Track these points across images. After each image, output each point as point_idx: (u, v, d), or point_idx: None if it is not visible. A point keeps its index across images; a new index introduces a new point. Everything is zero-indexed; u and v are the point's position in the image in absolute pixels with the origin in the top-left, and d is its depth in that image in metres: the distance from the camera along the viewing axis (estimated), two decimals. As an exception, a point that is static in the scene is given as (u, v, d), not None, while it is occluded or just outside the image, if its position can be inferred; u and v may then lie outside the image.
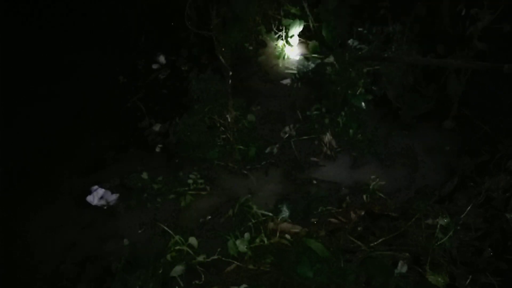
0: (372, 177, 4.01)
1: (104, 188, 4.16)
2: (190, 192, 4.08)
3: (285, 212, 3.73)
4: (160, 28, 6.15)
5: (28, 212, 4.07)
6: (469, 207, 3.50)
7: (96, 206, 4.05)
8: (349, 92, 4.61)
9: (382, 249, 3.30)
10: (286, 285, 3.17)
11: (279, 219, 3.63)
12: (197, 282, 3.24)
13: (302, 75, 5.40)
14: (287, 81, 5.56)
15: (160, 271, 3.24)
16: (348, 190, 4.04)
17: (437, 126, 4.66)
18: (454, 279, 3.10)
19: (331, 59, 4.90)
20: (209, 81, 4.60)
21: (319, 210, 3.73)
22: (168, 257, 3.32)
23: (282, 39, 5.84)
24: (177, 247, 3.39)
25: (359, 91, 4.67)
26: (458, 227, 3.38)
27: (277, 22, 5.89)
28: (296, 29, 5.61)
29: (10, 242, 3.81)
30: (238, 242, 3.39)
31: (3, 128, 4.76)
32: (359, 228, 3.54)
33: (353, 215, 3.61)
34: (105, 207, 4.07)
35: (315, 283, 3.11)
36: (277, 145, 4.52)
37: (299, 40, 5.86)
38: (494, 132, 4.28)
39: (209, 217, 3.88)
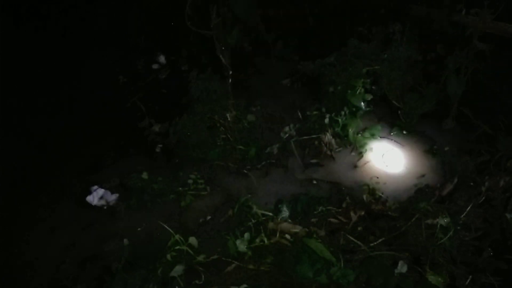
0: (372, 177, 4.00)
1: (104, 188, 4.15)
2: (190, 192, 4.08)
3: (285, 212, 3.73)
4: (160, 28, 6.15)
5: (28, 212, 4.07)
6: (469, 207, 3.50)
7: (96, 206, 4.05)
8: (349, 92, 4.61)
9: (382, 249, 3.30)
10: (286, 285, 3.17)
11: (279, 219, 3.63)
12: (197, 282, 3.24)
13: (302, 75, 5.40)
14: (287, 81, 5.56)
15: (160, 271, 3.24)
16: (348, 190, 4.04)
17: (437, 126, 4.66)
18: (454, 279, 3.11)
19: (331, 59, 4.90)
20: (209, 81, 4.60)
21: (319, 210, 3.73)
22: (168, 257, 3.32)
23: (282, 39, 5.85)
24: (177, 247, 3.39)
25: (359, 91, 4.67)
26: (458, 227, 3.38)
27: (277, 22, 5.90)
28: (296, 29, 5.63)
29: (11, 242, 3.81)
30: (238, 242, 3.39)
31: (4, 128, 4.76)
32: (359, 228, 3.54)
33: (353, 215, 3.61)
34: (105, 207, 4.07)
35: (315, 283, 3.11)
36: (277, 145, 4.52)
37: (299, 39, 5.88)
38: (494, 132, 4.29)
39: (209, 217, 3.88)
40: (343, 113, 4.65)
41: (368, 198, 3.82)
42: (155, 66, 6.04)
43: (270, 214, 3.68)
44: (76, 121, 5.11)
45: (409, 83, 4.70)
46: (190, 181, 4.14)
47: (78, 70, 5.68)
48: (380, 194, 3.86)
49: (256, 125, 4.75)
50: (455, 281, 3.10)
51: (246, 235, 3.45)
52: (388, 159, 4.36)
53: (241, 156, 4.43)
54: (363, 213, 3.63)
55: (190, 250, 3.37)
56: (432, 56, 4.87)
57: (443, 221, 3.35)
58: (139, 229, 3.83)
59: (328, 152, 4.44)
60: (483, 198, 3.59)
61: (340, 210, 3.74)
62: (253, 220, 3.59)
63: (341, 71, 4.74)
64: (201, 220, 3.86)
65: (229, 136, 4.49)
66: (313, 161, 4.42)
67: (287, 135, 4.65)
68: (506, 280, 3.08)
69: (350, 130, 4.57)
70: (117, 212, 4.02)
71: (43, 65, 5.54)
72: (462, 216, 3.46)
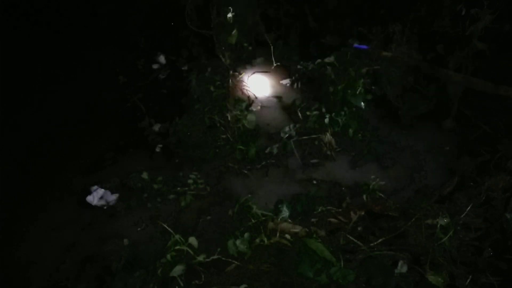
0: (372, 177, 4.00)
1: (104, 188, 4.16)
2: (190, 192, 4.08)
3: (285, 212, 3.73)
4: (160, 28, 6.15)
5: (29, 212, 4.07)
6: (469, 207, 3.49)
7: (96, 206, 4.05)
8: (349, 92, 4.61)
9: (382, 249, 3.30)
10: (286, 285, 3.17)
11: (279, 219, 3.63)
12: (197, 282, 3.24)
13: (302, 75, 5.40)
14: (287, 81, 5.56)
15: (160, 271, 3.24)
16: (348, 190, 4.04)
17: (437, 126, 4.66)
18: (454, 279, 3.10)
19: (331, 59, 4.90)
20: (209, 81, 4.60)
21: (319, 210, 3.72)
22: (168, 257, 3.32)
23: (282, 39, 5.84)
24: (177, 247, 3.38)
25: (359, 91, 4.67)
26: (458, 227, 3.38)
27: (277, 22, 5.90)
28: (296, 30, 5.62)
29: (11, 242, 3.81)
30: (238, 242, 3.39)
31: (4, 128, 4.76)
32: (359, 228, 3.54)
33: (353, 215, 3.61)
34: (105, 207, 4.07)
35: (315, 283, 3.11)
36: (277, 145, 4.52)
37: (299, 40, 5.87)
38: (494, 132, 4.28)
39: (209, 217, 3.88)
40: (343, 113, 4.65)
41: (368, 198, 3.82)
42: (155, 66, 6.04)
43: (270, 214, 3.67)
44: (76, 121, 5.11)
45: (409, 83, 4.70)
46: (190, 181, 4.14)
47: (78, 70, 5.69)
48: (380, 194, 3.86)
49: (256, 125, 4.74)
50: (455, 281, 3.09)
51: (246, 235, 3.44)
52: (387, 159, 4.36)
53: (241, 156, 4.42)
54: (363, 213, 3.63)
55: (190, 250, 3.37)
56: (432, 56, 4.86)
57: (443, 221, 3.35)
58: (139, 229, 3.83)
59: (328, 152, 4.44)
60: (483, 198, 3.59)
61: (340, 210, 3.73)
62: (253, 220, 3.58)
63: (341, 71, 4.74)
64: (201, 220, 3.86)
65: (229, 136, 4.48)
66: (313, 161, 4.41)
67: (287, 135, 4.65)
68: (506, 280, 3.08)
69: (350, 130, 4.57)
70: (117, 212, 4.02)
71: (43, 65, 5.54)
72: (462, 216, 3.45)
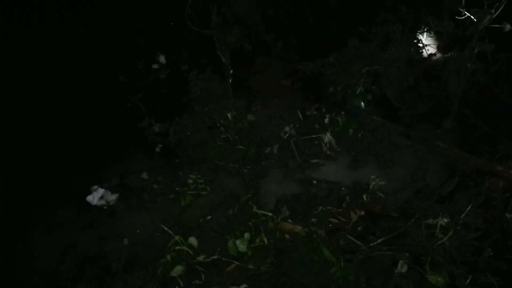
0: (372, 177, 4.00)
1: (104, 188, 4.16)
2: (190, 192, 4.08)
3: (285, 212, 3.73)
4: (160, 28, 6.15)
5: (29, 212, 4.07)
6: (469, 207, 3.49)
7: (96, 206, 4.05)
8: (349, 92, 4.61)
9: (382, 249, 3.30)
10: (286, 285, 3.17)
11: (279, 219, 3.63)
12: (197, 282, 3.24)
13: (302, 75, 5.40)
14: (287, 81, 5.56)
15: (160, 271, 3.24)
16: (348, 190, 4.04)
17: (437, 126, 4.66)
18: (454, 279, 3.10)
19: (331, 59, 4.90)
20: (209, 81, 4.60)
21: (319, 210, 3.72)
22: (168, 257, 3.32)
23: (282, 39, 5.84)
24: (177, 247, 3.38)
25: (359, 91, 4.66)
26: (458, 227, 3.38)
27: (277, 22, 5.90)
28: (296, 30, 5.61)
29: (11, 242, 3.81)
30: (238, 242, 3.39)
31: (4, 129, 4.76)
32: (359, 228, 3.54)
33: (353, 215, 3.61)
34: (105, 207, 4.07)
35: (315, 283, 3.11)
36: (277, 145, 4.52)
37: (299, 40, 5.87)
38: (494, 132, 4.28)
39: (209, 217, 3.88)
40: (343, 113, 4.64)
41: (368, 198, 3.82)
42: (155, 66, 6.04)
43: (270, 214, 3.68)
44: (76, 121, 5.11)
45: (409, 83, 4.69)
46: (190, 181, 4.14)
47: (78, 70, 5.68)
48: (380, 194, 3.86)
49: (256, 125, 4.74)
50: (455, 281, 3.10)
51: (246, 235, 3.45)
52: (387, 159, 4.36)
53: (241, 156, 4.42)
54: (363, 213, 3.63)
55: (190, 250, 3.37)
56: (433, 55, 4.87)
57: (443, 221, 3.35)
58: (138, 230, 3.83)
59: (328, 152, 4.44)
60: (483, 198, 3.59)
61: (340, 210, 3.74)
62: (253, 220, 3.59)
63: (341, 71, 4.73)
64: (201, 220, 3.86)
65: (229, 136, 4.48)
66: (313, 161, 4.41)
67: (287, 135, 4.65)
68: (506, 280, 3.08)
69: (350, 130, 4.57)
70: (117, 212, 4.02)
71: (42, 65, 5.54)
72: (462, 216, 3.46)
